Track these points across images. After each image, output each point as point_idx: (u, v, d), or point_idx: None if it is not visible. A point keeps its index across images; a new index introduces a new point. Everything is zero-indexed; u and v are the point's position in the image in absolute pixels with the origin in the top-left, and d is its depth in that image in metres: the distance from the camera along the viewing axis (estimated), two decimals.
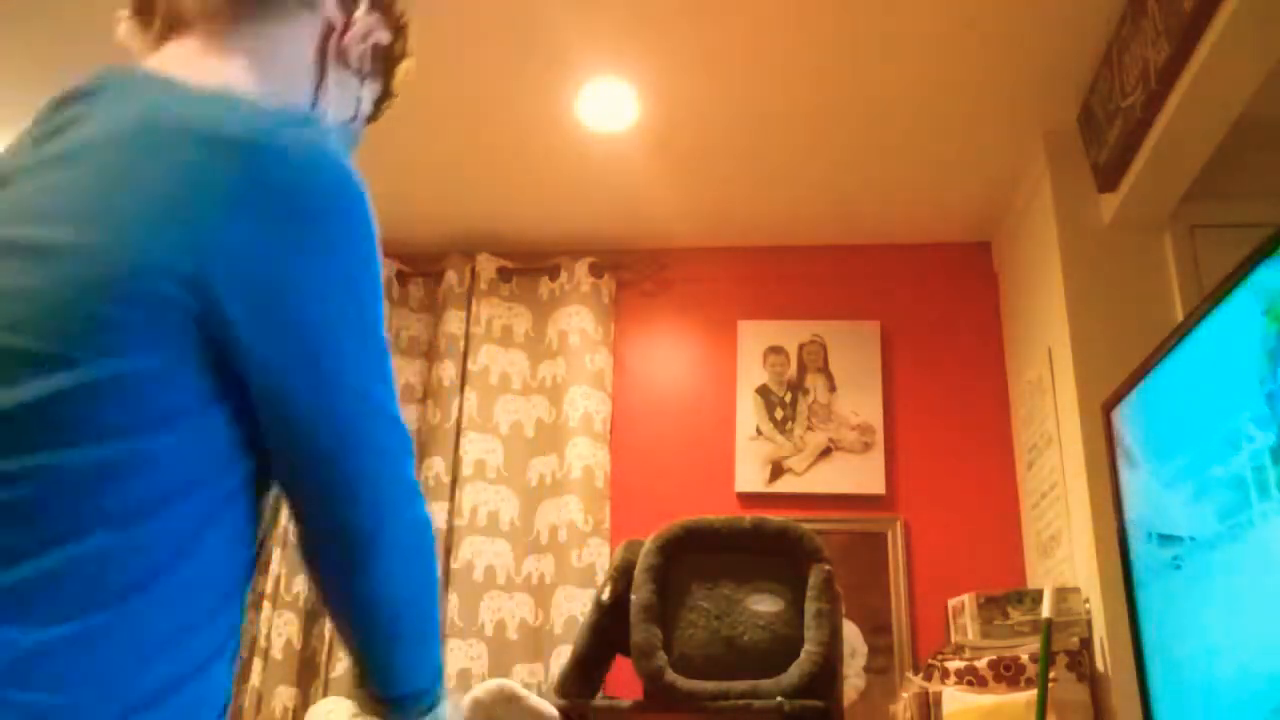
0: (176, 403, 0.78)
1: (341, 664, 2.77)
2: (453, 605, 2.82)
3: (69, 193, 0.80)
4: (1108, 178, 2.52)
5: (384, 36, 1.21)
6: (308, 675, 2.83)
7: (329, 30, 1.10)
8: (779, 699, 2.08)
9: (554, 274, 3.28)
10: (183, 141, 0.81)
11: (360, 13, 1.15)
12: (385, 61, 1.23)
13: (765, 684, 2.12)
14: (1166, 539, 1.85)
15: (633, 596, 2.29)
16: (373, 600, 0.91)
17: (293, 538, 2.88)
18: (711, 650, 2.22)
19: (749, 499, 3.00)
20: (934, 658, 2.40)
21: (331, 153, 0.92)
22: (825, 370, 3.12)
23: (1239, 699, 1.58)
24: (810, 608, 2.23)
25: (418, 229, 3.31)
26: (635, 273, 3.31)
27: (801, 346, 3.16)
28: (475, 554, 2.89)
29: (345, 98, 1.13)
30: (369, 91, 1.20)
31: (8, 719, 0.69)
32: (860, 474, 2.98)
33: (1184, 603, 1.78)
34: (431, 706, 1.00)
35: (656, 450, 3.09)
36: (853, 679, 2.73)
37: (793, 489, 2.99)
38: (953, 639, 2.45)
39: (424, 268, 3.33)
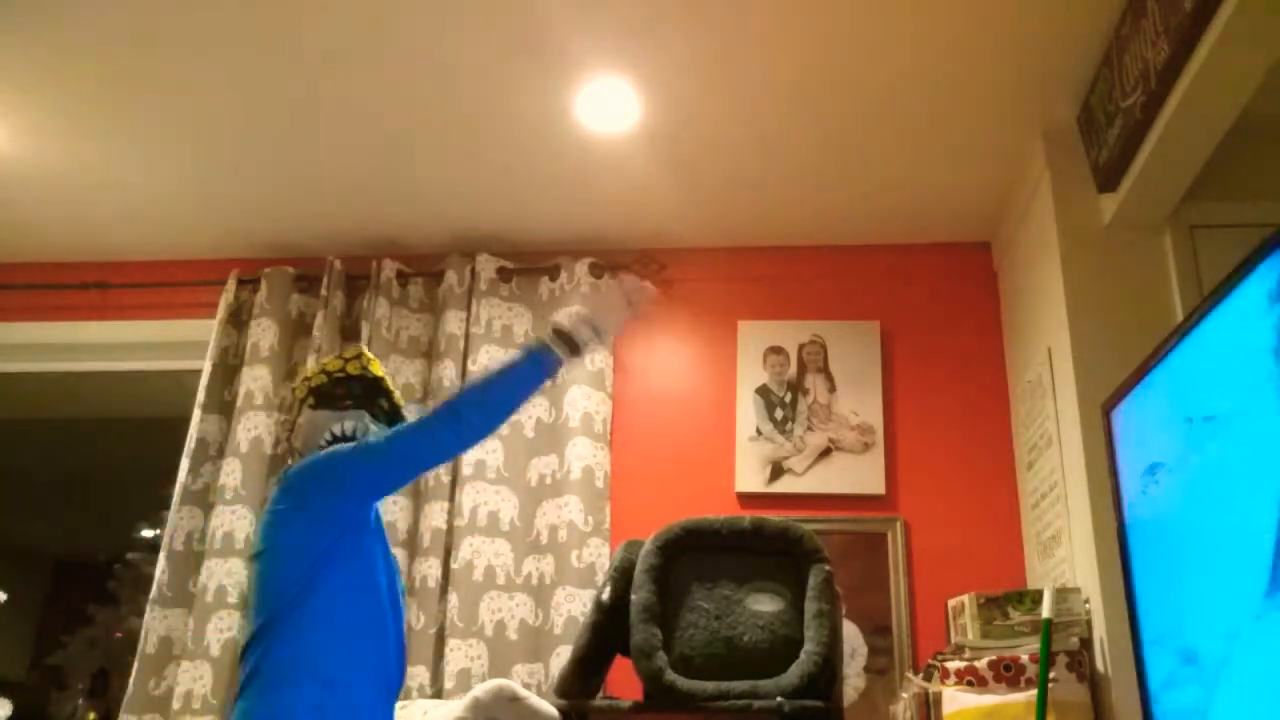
0: None
1: None
2: (453, 605, 2.82)
3: None
4: (1108, 178, 2.52)
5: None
6: None
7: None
8: (779, 699, 2.08)
9: (554, 274, 3.28)
10: None
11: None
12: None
13: (765, 684, 2.12)
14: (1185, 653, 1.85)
15: (633, 596, 2.29)
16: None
17: None
18: (711, 650, 2.22)
19: (749, 499, 3.00)
20: (934, 658, 2.40)
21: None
22: (825, 370, 3.12)
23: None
24: (810, 608, 2.23)
25: (418, 229, 3.31)
26: (635, 273, 3.31)
27: (801, 346, 3.16)
28: (475, 554, 2.89)
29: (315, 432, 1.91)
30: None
31: None
32: (860, 474, 2.98)
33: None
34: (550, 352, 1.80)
35: (656, 450, 3.09)
36: (853, 679, 2.73)
37: (793, 489, 2.99)
38: (953, 639, 2.45)
39: (424, 268, 3.33)
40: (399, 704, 2.48)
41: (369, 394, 1.90)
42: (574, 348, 1.82)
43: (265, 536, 1.74)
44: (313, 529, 1.70)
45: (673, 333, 3.25)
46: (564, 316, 1.82)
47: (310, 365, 1.97)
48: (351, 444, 1.76)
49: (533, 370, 1.78)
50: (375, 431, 1.89)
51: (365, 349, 1.97)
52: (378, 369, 1.94)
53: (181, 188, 3.14)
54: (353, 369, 1.90)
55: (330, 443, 1.84)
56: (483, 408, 1.73)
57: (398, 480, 1.75)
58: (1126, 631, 2.07)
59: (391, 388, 1.96)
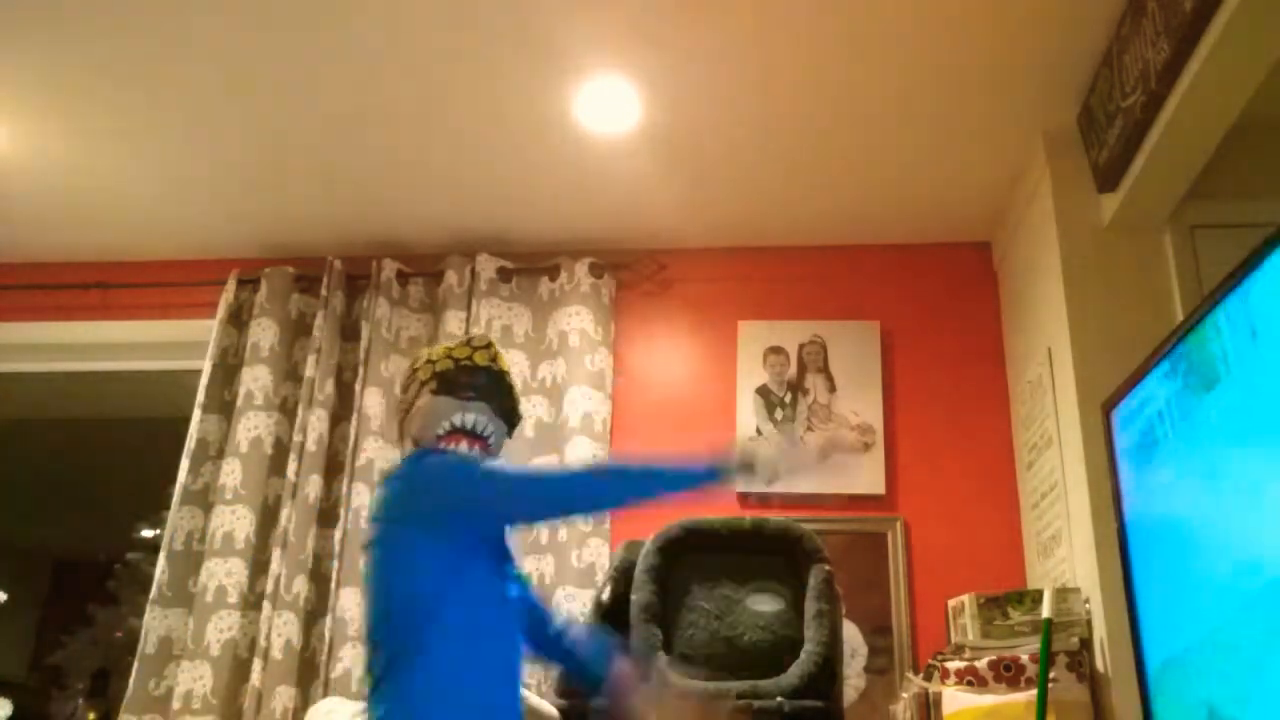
0: None
1: (341, 664, 2.77)
2: None
3: None
4: (1108, 178, 2.52)
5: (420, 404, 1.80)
6: (308, 675, 2.83)
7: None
8: (779, 699, 2.09)
9: (554, 274, 3.27)
10: None
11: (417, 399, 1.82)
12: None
13: (765, 684, 2.12)
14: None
15: (633, 596, 2.29)
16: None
17: (293, 538, 2.88)
18: (711, 650, 2.22)
19: (749, 499, 3.00)
20: (934, 658, 2.39)
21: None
22: (825, 370, 3.12)
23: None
24: (810, 608, 2.23)
25: (418, 229, 3.31)
26: (635, 273, 3.31)
27: (801, 346, 3.16)
28: None
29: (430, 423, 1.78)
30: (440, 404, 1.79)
31: None
32: (860, 474, 2.98)
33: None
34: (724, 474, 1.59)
35: (657, 450, 3.09)
36: (853, 679, 2.73)
37: (793, 489, 2.98)
38: (953, 639, 2.45)
39: (424, 268, 3.33)
40: None
41: (494, 388, 1.79)
42: (748, 473, 1.63)
43: (380, 545, 1.63)
44: (437, 543, 1.60)
45: (673, 333, 3.25)
46: (757, 452, 1.62)
47: (434, 348, 1.85)
48: (479, 464, 1.67)
49: (692, 478, 1.61)
50: (500, 461, 1.78)
51: (493, 339, 1.87)
52: (504, 363, 1.84)
53: (181, 188, 3.14)
54: (480, 359, 1.79)
55: (449, 432, 1.74)
56: (626, 495, 1.65)
57: (511, 524, 1.68)
58: (1126, 631, 2.07)
59: (514, 384, 1.86)
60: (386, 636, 1.58)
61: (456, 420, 1.74)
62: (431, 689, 1.53)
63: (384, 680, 1.55)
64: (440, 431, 1.74)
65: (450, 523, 1.62)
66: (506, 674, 1.64)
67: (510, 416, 1.82)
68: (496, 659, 1.62)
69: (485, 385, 1.78)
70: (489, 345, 1.83)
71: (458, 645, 1.57)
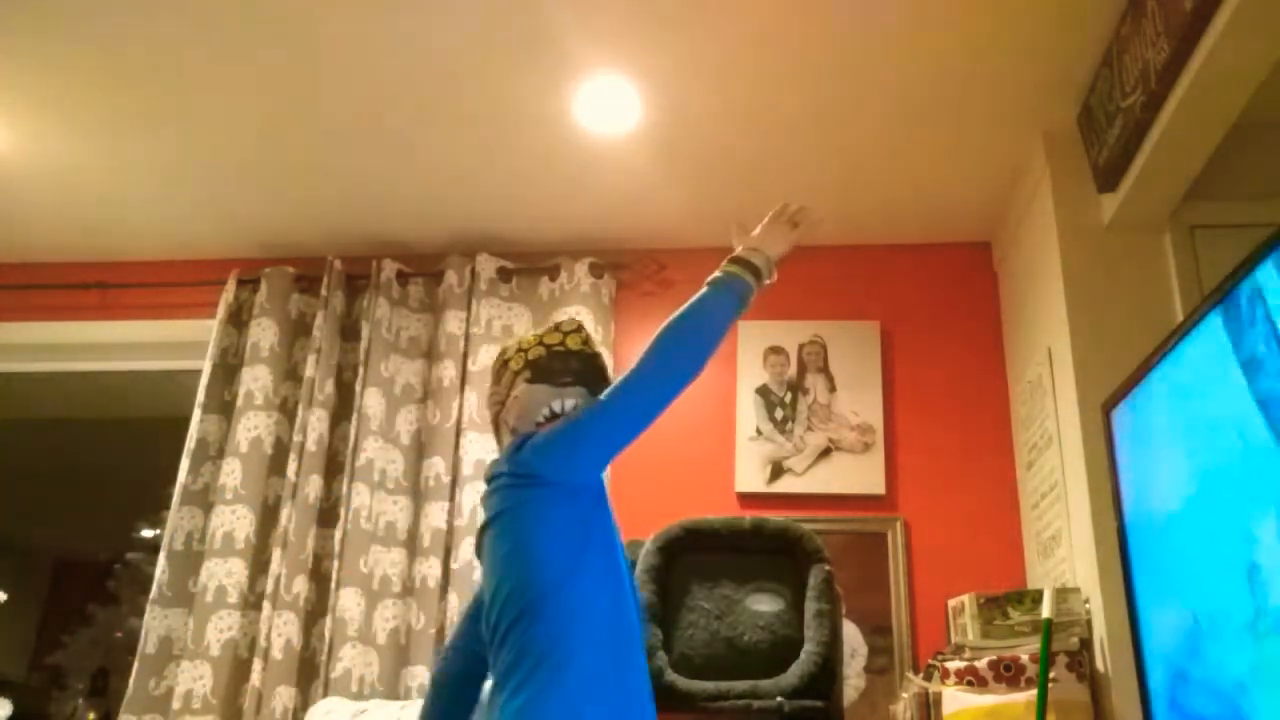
0: None
1: (341, 664, 2.77)
2: (452, 605, 2.82)
3: None
4: (1108, 178, 2.52)
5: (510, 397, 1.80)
6: (308, 675, 2.83)
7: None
8: (779, 699, 2.09)
9: (554, 274, 3.27)
10: None
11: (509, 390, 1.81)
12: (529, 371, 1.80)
13: (765, 684, 2.12)
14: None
15: None
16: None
17: (293, 538, 2.88)
18: (711, 650, 2.22)
19: (749, 499, 3.00)
20: (934, 658, 2.39)
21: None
22: (825, 370, 3.12)
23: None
24: (810, 608, 2.23)
25: (418, 229, 3.31)
26: (635, 273, 3.31)
27: (801, 346, 3.16)
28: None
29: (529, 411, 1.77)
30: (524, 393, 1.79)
31: None
32: (860, 474, 2.98)
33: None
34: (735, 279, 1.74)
35: (656, 450, 3.09)
36: (853, 679, 2.73)
37: (793, 489, 2.99)
38: (953, 639, 2.45)
39: (424, 268, 3.33)
40: (399, 704, 2.48)
41: (589, 371, 1.78)
42: (756, 272, 1.76)
43: (515, 516, 1.62)
44: (568, 501, 1.62)
45: None
46: (753, 257, 1.77)
47: (522, 336, 1.86)
48: (577, 413, 1.67)
49: (728, 299, 1.72)
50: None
51: (582, 322, 1.83)
52: (595, 345, 1.84)
53: (181, 188, 3.14)
54: (572, 343, 1.79)
55: (548, 419, 1.73)
56: (692, 346, 1.67)
57: (630, 437, 1.66)
58: (1126, 631, 2.07)
59: (607, 365, 1.84)
60: (517, 595, 1.56)
61: (555, 406, 1.74)
62: (566, 644, 1.53)
63: (517, 667, 1.53)
64: (539, 419, 1.74)
65: (584, 471, 1.64)
66: (634, 626, 1.63)
67: None
68: (624, 612, 1.61)
69: (580, 369, 1.78)
70: (579, 329, 1.82)
71: (596, 601, 1.57)
